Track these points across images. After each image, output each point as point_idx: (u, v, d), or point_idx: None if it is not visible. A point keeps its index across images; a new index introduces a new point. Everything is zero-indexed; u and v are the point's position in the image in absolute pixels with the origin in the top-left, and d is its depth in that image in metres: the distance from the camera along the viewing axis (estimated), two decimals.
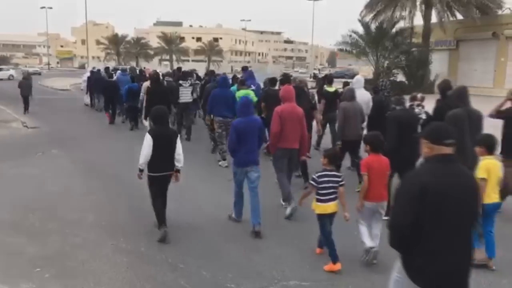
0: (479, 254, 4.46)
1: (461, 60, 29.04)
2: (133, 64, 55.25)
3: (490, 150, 4.60)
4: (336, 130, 8.35)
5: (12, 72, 44.27)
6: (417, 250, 2.55)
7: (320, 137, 10.03)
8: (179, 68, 16.73)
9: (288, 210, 5.99)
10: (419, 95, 8.26)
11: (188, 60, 66.97)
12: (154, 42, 68.47)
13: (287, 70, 59.53)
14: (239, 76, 12.91)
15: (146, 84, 11.40)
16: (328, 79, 10.41)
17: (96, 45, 68.71)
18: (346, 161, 7.96)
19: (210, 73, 14.87)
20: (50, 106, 20.04)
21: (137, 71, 19.08)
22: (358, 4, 55.81)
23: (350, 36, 28.71)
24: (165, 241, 5.12)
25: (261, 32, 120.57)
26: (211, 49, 71.74)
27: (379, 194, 4.66)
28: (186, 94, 11.59)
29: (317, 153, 8.73)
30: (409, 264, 2.61)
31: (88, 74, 19.77)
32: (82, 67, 67.42)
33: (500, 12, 27.19)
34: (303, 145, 6.40)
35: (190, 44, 73.64)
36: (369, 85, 10.95)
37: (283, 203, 6.27)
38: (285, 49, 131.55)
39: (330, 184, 4.56)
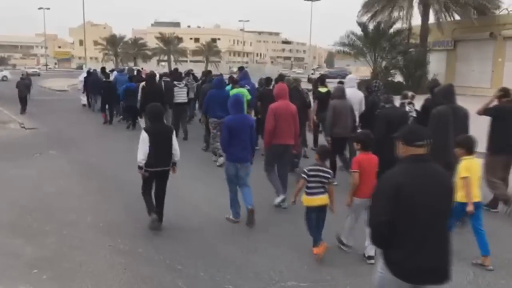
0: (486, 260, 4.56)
1: (459, 60, 29.06)
2: (131, 65, 55.14)
3: (469, 151, 4.73)
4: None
5: (5, 73, 43.04)
6: (396, 246, 2.68)
7: (316, 137, 10.07)
8: (175, 69, 16.84)
9: (278, 199, 6.21)
10: (410, 93, 8.28)
11: (186, 61, 66.89)
12: (152, 43, 68.23)
13: (285, 70, 59.58)
14: (235, 76, 12.90)
15: (143, 84, 11.45)
16: (321, 80, 10.38)
17: (94, 46, 68.66)
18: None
19: (207, 74, 14.87)
20: (47, 107, 19.99)
21: (135, 71, 19.07)
22: (356, 5, 55.81)
23: (348, 37, 28.78)
24: (157, 229, 5.38)
25: (259, 33, 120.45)
26: (209, 50, 71.53)
27: (369, 191, 4.70)
28: (181, 95, 11.63)
29: (315, 154, 8.70)
30: (390, 260, 2.75)
31: (85, 74, 19.77)
32: (80, 68, 67.27)
33: (497, 12, 27.22)
34: (296, 141, 6.68)
35: (188, 44, 73.46)
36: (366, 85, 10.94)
37: (278, 202, 6.32)
38: (283, 50, 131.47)
39: (318, 179, 4.74)
